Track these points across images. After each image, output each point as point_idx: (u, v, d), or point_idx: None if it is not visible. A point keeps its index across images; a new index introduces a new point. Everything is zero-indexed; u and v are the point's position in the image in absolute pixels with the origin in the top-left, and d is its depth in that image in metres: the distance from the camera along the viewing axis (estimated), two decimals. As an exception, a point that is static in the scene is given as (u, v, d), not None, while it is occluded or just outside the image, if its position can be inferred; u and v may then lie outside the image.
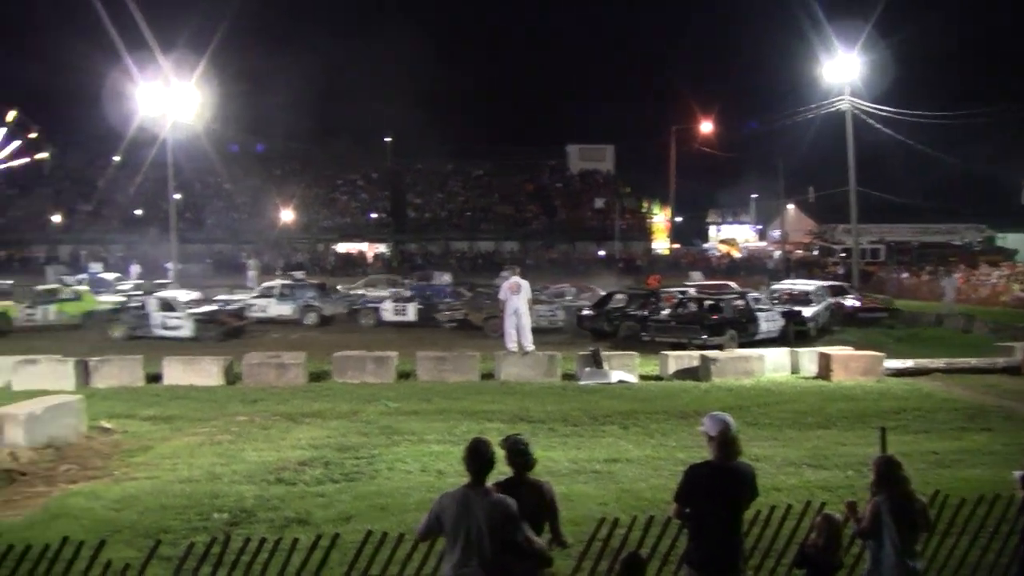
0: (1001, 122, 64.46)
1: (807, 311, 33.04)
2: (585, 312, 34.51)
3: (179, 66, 52.70)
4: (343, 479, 13.53)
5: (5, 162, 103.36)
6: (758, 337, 29.24)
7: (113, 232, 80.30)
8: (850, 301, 38.58)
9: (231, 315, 35.64)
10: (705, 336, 28.28)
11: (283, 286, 40.98)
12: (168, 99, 52.36)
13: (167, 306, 33.65)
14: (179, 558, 8.24)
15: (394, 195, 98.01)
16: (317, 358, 24.53)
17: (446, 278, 48.27)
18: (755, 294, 33.23)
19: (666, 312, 31.95)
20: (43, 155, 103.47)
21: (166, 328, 32.97)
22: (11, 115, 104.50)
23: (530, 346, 24.85)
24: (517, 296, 24.99)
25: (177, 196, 58.41)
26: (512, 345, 24.72)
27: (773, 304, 33.00)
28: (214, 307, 36.30)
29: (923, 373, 23.98)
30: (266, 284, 42.67)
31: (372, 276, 54.13)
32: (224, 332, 33.28)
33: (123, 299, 40.00)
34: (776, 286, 39.12)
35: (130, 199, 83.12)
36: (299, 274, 47.41)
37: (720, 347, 26.36)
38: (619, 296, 35.55)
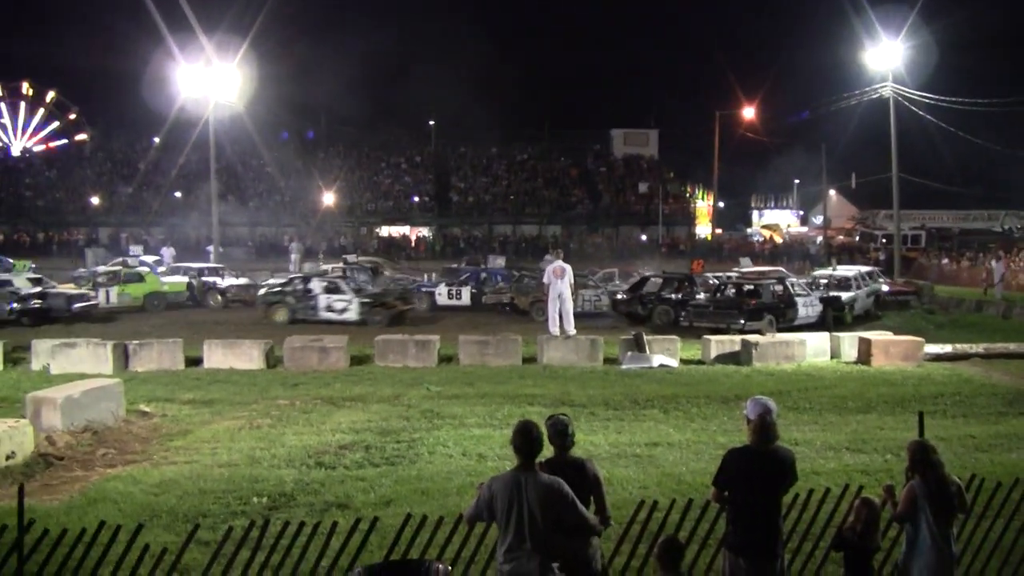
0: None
1: (846, 297, 32.90)
2: (620, 296, 34.50)
3: (222, 48, 52.59)
4: (384, 463, 13.53)
5: (44, 143, 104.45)
6: (796, 323, 29.22)
7: (154, 215, 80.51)
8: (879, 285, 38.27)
9: (398, 298, 34.58)
10: (743, 321, 28.29)
11: (334, 268, 40.75)
12: (210, 81, 52.27)
13: (334, 288, 32.91)
14: (217, 542, 8.26)
15: (438, 179, 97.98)
16: (360, 342, 24.70)
17: (500, 261, 47.88)
18: (794, 279, 33.31)
19: (703, 296, 32.01)
20: (83, 137, 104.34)
21: (331, 311, 32.33)
22: (50, 96, 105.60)
23: (572, 330, 24.99)
24: (561, 280, 25.10)
25: (218, 179, 58.37)
26: (555, 329, 24.85)
27: (812, 290, 32.82)
28: (379, 290, 35.67)
29: (962, 358, 24.04)
30: (323, 266, 42.67)
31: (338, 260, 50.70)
32: (391, 316, 32.54)
33: (185, 279, 40.02)
34: (816, 272, 38.93)
35: (171, 182, 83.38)
36: (352, 257, 47.41)
37: (759, 332, 26.31)
38: (654, 280, 35.54)
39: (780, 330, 27.36)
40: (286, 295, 33.46)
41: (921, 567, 7.33)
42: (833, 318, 30.99)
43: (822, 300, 31.42)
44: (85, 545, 7.77)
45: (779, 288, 30.76)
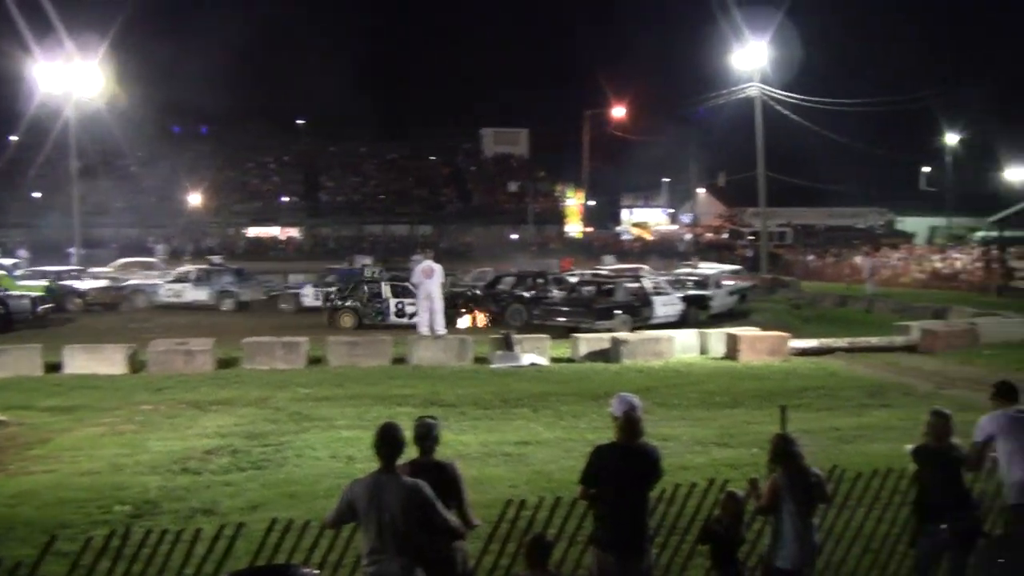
0: (903, 110, 65.83)
1: (707, 295, 33.14)
2: (470, 294, 34.45)
3: (84, 44, 51.59)
4: (251, 467, 13.33)
5: None
6: (653, 321, 29.14)
7: (12, 216, 78.41)
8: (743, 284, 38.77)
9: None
10: (591, 320, 28.18)
11: (199, 271, 40.41)
12: (71, 78, 51.13)
13: (403, 291, 31.61)
14: (76, 553, 7.97)
15: (307, 178, 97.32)
16: (228, 344, 24.35)
17: (367, 261, 47.70)
18: (653, 278, 33.24)
19: (557, 295, 31.96)
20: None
21: (400, 316, 31.39)
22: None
23: (442, 330, 24.93)
24: (430, 280, 25.02)
25: (80, 179, 57.02)
26: (425, 329, 24.78)
27: (675, 288, 32.91)
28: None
29: (827, 352, 24.60)
30: (182, 269, 42.03)
31: (125, 260, 50.42)
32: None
33: (43, 283, 38.20)
34: (678, 270, 39.20)
35: (31, 182, 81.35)
36: (217, 259, 46.88)
37: (610, 330, 26.33)
38: (507, 278, 35.70)
39: (635, 328, 27.32)
40: (354, 299, 32.33)
41: (785, 557, 7.44)
42: (696, 316, 31.13)
43: (684, 299, 31.47)
44: None
45: (634, 286, 30.65)
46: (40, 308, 32.15)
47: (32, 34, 51.50)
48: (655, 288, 31.05)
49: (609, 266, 46.23)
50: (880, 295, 39.90)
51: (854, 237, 70.19)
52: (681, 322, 29.74)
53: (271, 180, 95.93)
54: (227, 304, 38.77)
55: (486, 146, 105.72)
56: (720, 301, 34.10)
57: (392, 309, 31.53)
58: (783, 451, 7.54)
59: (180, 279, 39.41)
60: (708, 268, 38.41)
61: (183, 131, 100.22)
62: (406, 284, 31.21)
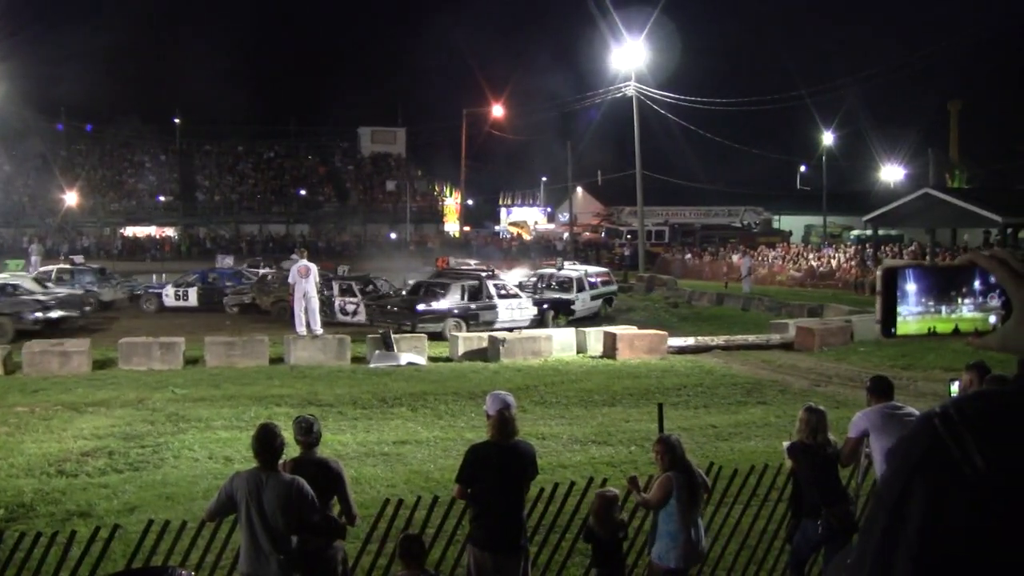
0: (779, 109, 66.98)
1: (569, 298, 32.23)
2: None
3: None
4: (128, 469, 13.19)
5: None
6: (499, 327, 27.51)
7: None
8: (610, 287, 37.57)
9: None
10: (409, 324, 27.21)
11: (59, 271, 39.40)
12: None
13: (348, 291, 30.84)
14: None
15: (183, 177, 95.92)
16: (104, 345, 23.88)
17: (228, 261, 47.13)
18: (501, 281, 31.80)
19: (393, 296, 31.02)
20: None
21: (345, 314, 30.21)
22: None
23: (319, 329, 24.76)
24: (306, 280, 24.82)
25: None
26: (302, 329, 24.58)
27: (539, 290, 32.61)
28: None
29: (705, 350, 24.93)
30: (42, 269, 41.08)
31: None
32: None
33: None
34: (541, 271, 37.76)
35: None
36: (79, 258, 45.98)
37: (441, 332, 26.24)
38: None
39: (432, 338, 25.97)
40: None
41: (674, 557, 7.51)
42: (554, 321, 30.32)
43: (542, 303, 30.75)
44: None
45: (472, 289, 29.22)
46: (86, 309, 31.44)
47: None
48: (501, 291, 29.87)
49: (457, 266, 45.63)
50: (756, 293, 40.41)
51: (731, 235, 71.11)
52: (537, 327, 28.54)
53: (147, 179, 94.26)
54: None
55: (363, 145, 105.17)
56: (583, 305, 32.94)
57: (337, 307, 30.48)
58: (673, 454, 7.58)
59: (40, 279, 38.33)
60: (573, 269, 36.68)
61: (57, 130, 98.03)
62: (351, 283, 31.27)
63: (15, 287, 30.33)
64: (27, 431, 15.73)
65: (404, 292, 31.81)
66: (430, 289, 29.72)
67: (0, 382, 20.64)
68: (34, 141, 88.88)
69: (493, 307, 28.72)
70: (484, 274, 32.26)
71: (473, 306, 28.57)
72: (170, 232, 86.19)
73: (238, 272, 41.17)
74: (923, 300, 1.76)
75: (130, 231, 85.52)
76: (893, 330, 1.78)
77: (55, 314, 28.60)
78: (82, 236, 79.18)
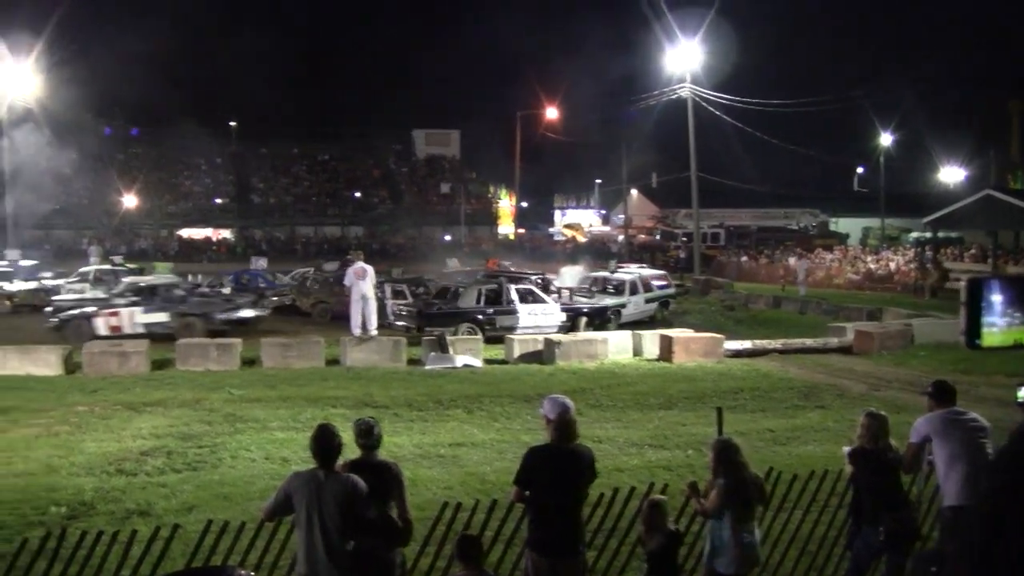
0: (836, 110, 66.42)
1: (612, 302, 31.49)
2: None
3: (15, 45, 51.23)
4: (186, 469, 13.25)
5: None
6: (519, 333, 26.55)
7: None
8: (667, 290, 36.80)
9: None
10: (413, 327, 27.29)
11: (97, 271, 39.79)
12: (4, 80, 50.90)
13: (399, 294, 30.25)
14: (12, 555, 8.01)
15: (238, 180, 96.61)
16: (161, 346, 24.06)
17: (262, 263, 47.63)
18: (527, 284, 30.62)
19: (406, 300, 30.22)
20: None
21: (399, 319, 29.07)
22: None
23: (375, 331, 24.73)
24: (363, 281, 24.74)
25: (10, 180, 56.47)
26: (357, 330, 24.54)
27: (587, 295, 32.03)
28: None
29: (761, 354, 24.73)
30: (82, 269, 41.49)
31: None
32: None
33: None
34: (594, 274, 37.09)
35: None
36: (118, 258, 46.52)
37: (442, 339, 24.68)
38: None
39: (489, 340, 26.02)
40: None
41: (727, 562, 7.41)
42: (595, 326, 28.96)
43: (574, 308, 29.48)
44: None
45: (490, 292, 28.64)
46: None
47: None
48: (525, 295, 28.74)
49: (454, 269, 45.50)
50: (813, 297, 40.01)
51: (787, 238, 70.55)
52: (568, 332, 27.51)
53: (203, 182, 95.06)
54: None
55: (418, 147, 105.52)
56: (635, 309, 32.50)
57: (389, 310, 29.13)
58: (727, 458, 7.50)
59: (82, 279, 38.77)
60: (626, 272, 36.42)
61: (115, 133, 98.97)
62: (403, 286, 30.86)
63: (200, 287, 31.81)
64: (87, 430, 15.88)
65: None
66: (449, 292, 29.46)
67: (61, 382, 20.88)
68: (92, 144, 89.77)
69: (513, 312, 27.95)
70: (532, 277, 32.25)
71: (490, 310, 27.95)
72: (226, 234, 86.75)
73: (271, 273, 41.98)
74: (1008, 311, 1.71)
75: (186, 233, 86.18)
76: (978, 341, 1.73)
77: (246, 313, 29.13)
78: (139, 238, 79.94)
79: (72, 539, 7.95)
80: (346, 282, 25.56)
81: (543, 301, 28.78)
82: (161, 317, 27.69)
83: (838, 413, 16.99)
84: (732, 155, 70.98)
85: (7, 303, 37.38)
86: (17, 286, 38.77)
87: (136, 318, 27.56)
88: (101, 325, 27.29)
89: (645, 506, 7.71)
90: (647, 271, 39.02)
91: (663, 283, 36.64)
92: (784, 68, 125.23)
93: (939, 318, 29.16)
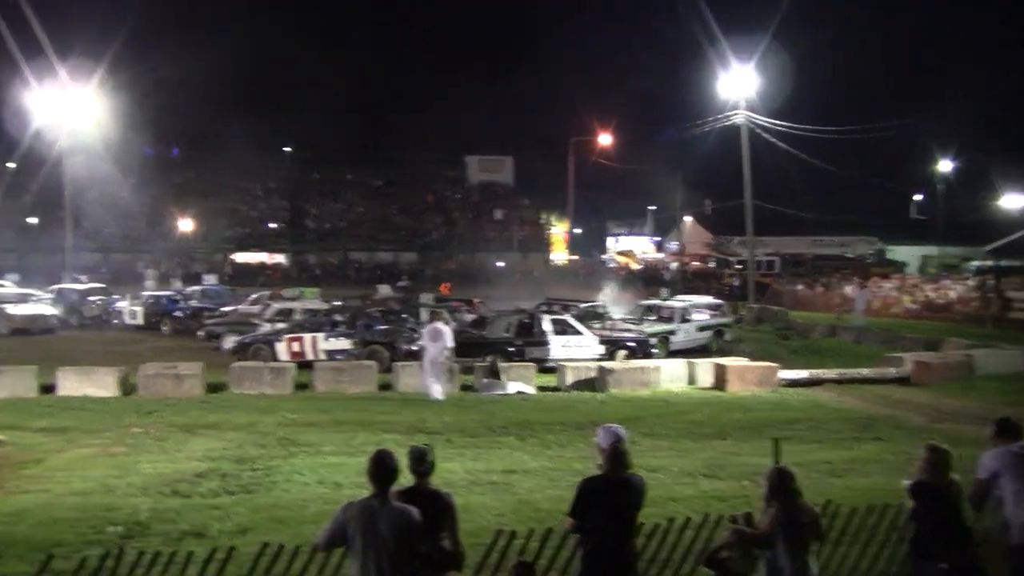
0: (893, 137, 65.87)
1: (660, 329, 31.72)
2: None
3: (77, 71, 52.07)
4: (240, 491, 13.30)
5: None
6: (551, 364, 26.24)
7: (5, 241, 78.66)
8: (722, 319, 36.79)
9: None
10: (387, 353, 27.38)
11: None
12: (65, 105, 51.71)
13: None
14: (71, 572, 8.07)
15: (292, 205, 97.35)
16: (216, 369, 24.19)
17: (385, 290, 49.05)
18: (558, 314, 30.20)
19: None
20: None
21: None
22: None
23: (437, 395, 22.01)
24: (433, 344, 22.37)
25: (71, 204, 57.34)
26: (437, 395, 22.00)
27: (636, 323, 31.98)
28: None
29: (817, 384, 24.41)
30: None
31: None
32: None
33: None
34: (646, 302, 37.30)
35: (26, 208, 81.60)
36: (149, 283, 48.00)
37: (494, 365, 24.26)
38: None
39: (543, 368, 25.68)
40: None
41: None
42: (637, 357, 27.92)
43: (614, 341, 28.83)
44: None
45: (520, 323, 28.49)
46: None
47: (29, 64, 51.83)
48: (559, 327, 28.28)
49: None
50: (870, 326, 39.59)
51: (843, 266, 70.03)
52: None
53: (258, 206, 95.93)
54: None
55: (470, 174, 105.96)
56: (687, 337, 32.56)
57: (553, 345, 27.85)
58: (781, 486, 7.37)
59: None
60: (678, 300, 36.65)
61: (171, 156, 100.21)
62: (566, 319, 29.48)
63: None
64: (143, 451, 15.99)
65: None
66: (481, 321, 29.41)
67: (117, 403, 21.10)
68: (149, 169, 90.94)
69: (543, 343, 27.61)
70: (581, 306, 32.06)
71: (519, 341, 27.70)
72: (280, 258, 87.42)
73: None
74: None
75: (241, 257, 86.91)
76: None
77: None
78: (194, 261, 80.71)
79: (130, 558, 7.99)
80: (421, 343, 23.75)
81: (578, 332, 28.38)
82: (345, 344, 27.92)
83: (896, 445, 16.72)
84: (787, 182, 70.48)
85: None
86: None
87: (319, 344, 27.86)
88: (283, 350, 27.69)
89: (729, 533, 7.55)
90: (700, 299, 38.84)
91: (717, 311, 36.55)
92: (841, 93, 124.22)
93: (1001, 348, 28.75)
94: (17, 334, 36.99)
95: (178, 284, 54.36)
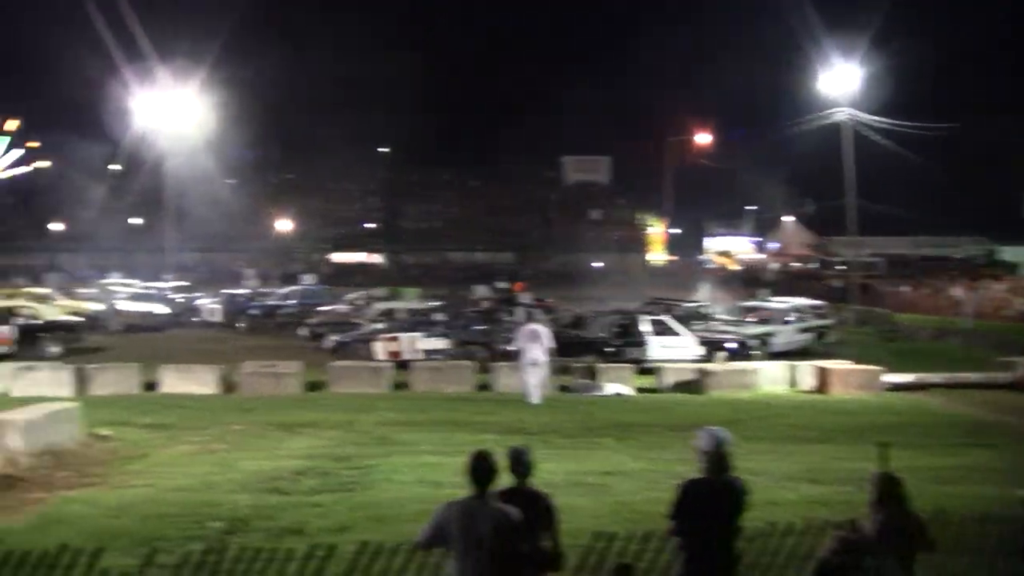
0: (1000, 135, 64.50)
1: (757, 331, 31.33)
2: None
3: (178, 74, 53.07)
4: (339, 489, 13.37)
5: (8, 169, 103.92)
6: (649, 365, 25.96)
7: (109, 240, 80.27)
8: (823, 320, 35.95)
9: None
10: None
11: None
12: (167, 109, 52.75)
13: (665, 328, 28.55)
14: (175, 566, 8.18)
15: (389, 205, 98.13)
16: (314, 368, 24.41)
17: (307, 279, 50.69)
18: (654, 315, 29.70)
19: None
20: (43, 164, 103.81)
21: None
22: (13, 125, 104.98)
23: (536, 400, 21.68)
24: (534, 345, 21.96)
25: (172, 205, 58.48)
26: (535, 399, 21.67)
27: (735, 324, 31.75)
28: None
29: (922, 388, 23.89)
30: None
31: None
32: None
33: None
34: (745, 303, 37.18)
35: (129, 208, 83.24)
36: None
37: (591, 366, 24.64)
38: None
39: (642, 369, 25.56)
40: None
41: None
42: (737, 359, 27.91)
43: (713, 342, 28.77)
44: (47, 567, 7.68)
45: (618, 323, 28.68)
46: None
47: (132, 69, 53.03)
48: (658, 327, 28.15)
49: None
50: (980, 329, 38.72)
51: (950, 267, 68.65)
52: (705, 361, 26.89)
53: (354, 207, 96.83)
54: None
55: (567, 174, 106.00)
56: (786, 338, 32.04)
57: (652, 346, 27.77)
58: (889, 492, 7.17)
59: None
60: (779, 302, 36.25)
61: (269, 157, 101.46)
62: (664, 320, 29.19)
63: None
64: (243, 449, 16.24)
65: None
66: (580, 321, 29.49)
67: (218, 401, 21.53)
68: (248, 169, 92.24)
69: (641, 344, 27.52)
70: (684, 305, 31.81)
71: (619, 342, 27.75)
72: (378, 258, 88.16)
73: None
74: None
75: (338, 257, 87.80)
76: None
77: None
78: (293, 261, 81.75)
79: (231, 554, 8.09)
80: (516, 345, 22.97)
81: (677, 333, 28.19)
82: (442, 344, 28.31)
83: (1008, 453, 16.31)
84: (892, 182, 69.25)
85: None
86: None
87: (417, 344, 28.24)
88: (380, 350, 28.11)
89: (847, 529, 7.36)
90: (801, 300, 38.30)
91: (818, 313, 36.03)
92: (950, 89, 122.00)
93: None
94: (130, 331, 37.90)
95: (274, 283, 55.66)
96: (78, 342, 30.83)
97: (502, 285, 60.65)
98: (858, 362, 25.37)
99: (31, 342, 29.00)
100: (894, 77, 60.33)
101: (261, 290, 50.15)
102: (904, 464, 14.01)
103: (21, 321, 29.55)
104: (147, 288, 46.55)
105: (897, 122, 53.07)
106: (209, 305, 43.49)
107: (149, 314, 40.70)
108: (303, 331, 34.44)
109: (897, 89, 61.46)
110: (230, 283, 58.46)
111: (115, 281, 50.83)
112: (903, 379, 24.25)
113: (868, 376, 23.60)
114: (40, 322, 30.22)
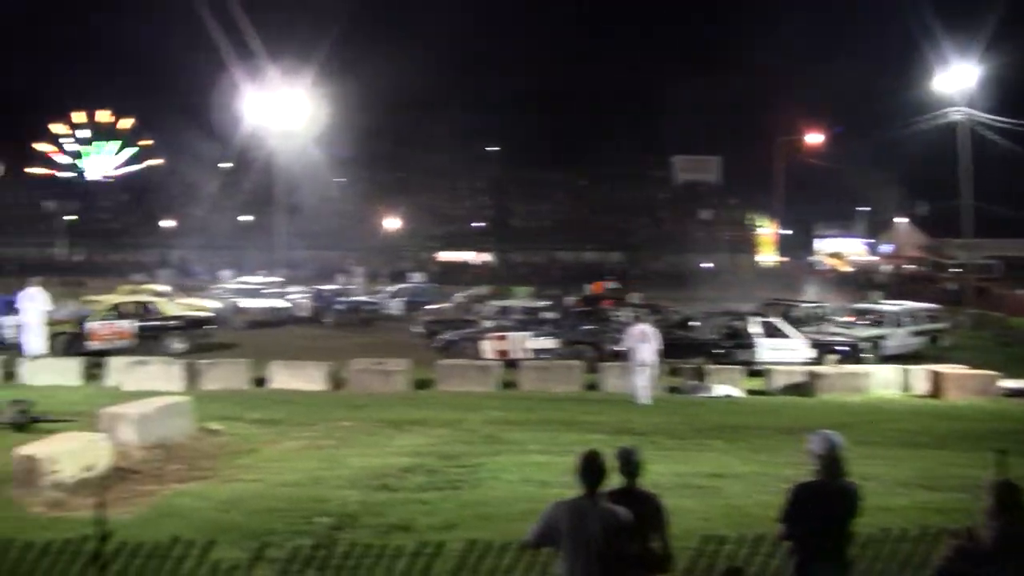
0: None
1: (868, 334, 30.49)
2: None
3: (288, 74, 53.77)
4: (446, 487, 13.41)
5: (119, 168, 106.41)
6: (758, 368, 25.65)
7: (220, 238, 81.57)
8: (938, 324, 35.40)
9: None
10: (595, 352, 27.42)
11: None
12: (277, 107, 53.45)
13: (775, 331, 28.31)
14: (284, 560, 8.35)
15: (498, 204, 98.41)
16: (423, 366, 24.60)
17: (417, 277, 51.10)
18: (766, 318, 29.21)
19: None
20: (156, 161, 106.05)
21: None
22: (128, 123, 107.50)
23: (645, 399, 21.73)
24: (644, 346, 22.06)
25: (282, 202, 59.31)
26: (644, 400, 21.67)
27: (846, 326, 31.32)
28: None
29: (1042, 394, 23.31)
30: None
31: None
32: None
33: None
34: (856, 305, 36.52)
35: (239, 205, 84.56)
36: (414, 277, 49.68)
37: (700, 368, 24.58)
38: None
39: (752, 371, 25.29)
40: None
41: None
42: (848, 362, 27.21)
43: (824, 344, 28.34)
44: (159, 559, 7.83)
45: (726, 326, 28.50)
46: None
47: (244, 68, 53.88)
48: (770, 330, 27.87)
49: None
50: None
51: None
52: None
53: (463, 205, 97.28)
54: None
55: (676, 173, 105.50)
56: (899, 342, 31.39)
57: (761, 348, 27.50)
58: (1006, 501, 7.01)
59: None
60: (891, 304, 35.35)
61: (378, 155, 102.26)
62: (774, 321, 28.94)
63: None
64: (351, 445, 16.38)
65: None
66: (689, 322, 29.35)
67: (328, 398, 21.76)
68: (358, 167, 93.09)
69: (750, 346, 27.28)
70: (802, 306, 31.46)
71: (728, 343, 27.59)
72: (486, 257, 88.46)
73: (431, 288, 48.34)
74: None
75: (445, 255, 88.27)
76: None
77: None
78: (401, 259, 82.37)
79: (340, 549, 8.20)
80: (624, 345, 23.02)
81: (787, 335, 27.87)
82: (550, 343, 28.37)
83: None
84: (1009, 182, 67.61)
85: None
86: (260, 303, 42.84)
87: (525, 343, 28.38)
88: (488, 348, 28.28)
89: (965, 535, 7.24)
90: (915, 304, 37.63)
91: (932, 316, 35.38)
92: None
93: None
94: (254, 327, 38.77)
95: (383, 281, 56.30)
96: (206, 338, 31.32)
97: (611, 285, 60.39)
98: (973, 367, 24.89)
99: (154, 338, 29.46)
100: (1012, 74, 58.93)
101: (349, 286, 51.01)
102: (1022, 472, 13.80)
103: (151, 318, 30.12)
104: (267, 285, 47.21)
105: (1016, 121, 51.87)
106: (298, 300, 44.29)
107: (271, 310, 41.61)
108: (416, 328, 34.63)
109: (1015, 87, 60.11)
110: (336, 280, 59.25)
111: (239, 279, 51.84)
112: (1020, 385, 23.73)
113: (983, 381, 23.17)
114: (167, 318, 30.77)
